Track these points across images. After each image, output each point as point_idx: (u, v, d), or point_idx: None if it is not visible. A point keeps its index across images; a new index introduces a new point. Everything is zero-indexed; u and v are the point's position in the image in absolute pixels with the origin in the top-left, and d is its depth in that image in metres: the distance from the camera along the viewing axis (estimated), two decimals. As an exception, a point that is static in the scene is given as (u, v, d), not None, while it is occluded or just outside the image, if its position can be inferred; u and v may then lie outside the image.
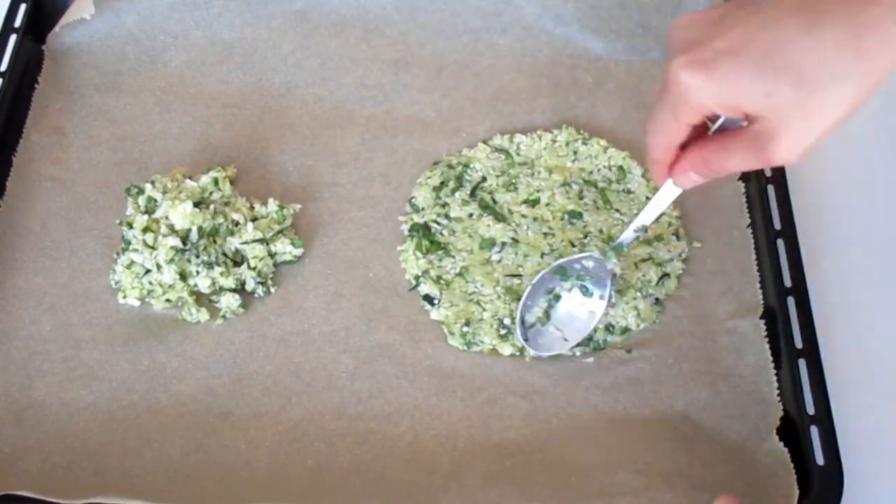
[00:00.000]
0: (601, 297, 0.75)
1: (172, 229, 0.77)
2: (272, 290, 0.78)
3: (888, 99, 0.92)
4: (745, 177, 0.82)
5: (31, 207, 0.81)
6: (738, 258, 0.79)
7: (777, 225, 0.78)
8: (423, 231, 0.80)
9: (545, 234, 0.80)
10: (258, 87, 0.89)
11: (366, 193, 0.83)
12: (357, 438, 0.70)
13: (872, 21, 0.52)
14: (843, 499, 0.66)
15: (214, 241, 0.77)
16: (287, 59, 0.91)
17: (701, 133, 0.62)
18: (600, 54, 0.90)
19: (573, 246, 0.79)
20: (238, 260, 0.78)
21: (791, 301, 0.74)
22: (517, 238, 0.80)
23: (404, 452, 0.70)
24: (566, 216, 0.81)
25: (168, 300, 0.76)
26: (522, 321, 0.75)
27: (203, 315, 0.76)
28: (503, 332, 0.75)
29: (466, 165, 0.84)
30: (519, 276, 0.78)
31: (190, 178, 0.80)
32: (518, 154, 0.85)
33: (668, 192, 0.68)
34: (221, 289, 0.77)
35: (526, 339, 0.74)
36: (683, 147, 0.63)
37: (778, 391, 0.71)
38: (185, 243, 0.76)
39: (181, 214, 0.76)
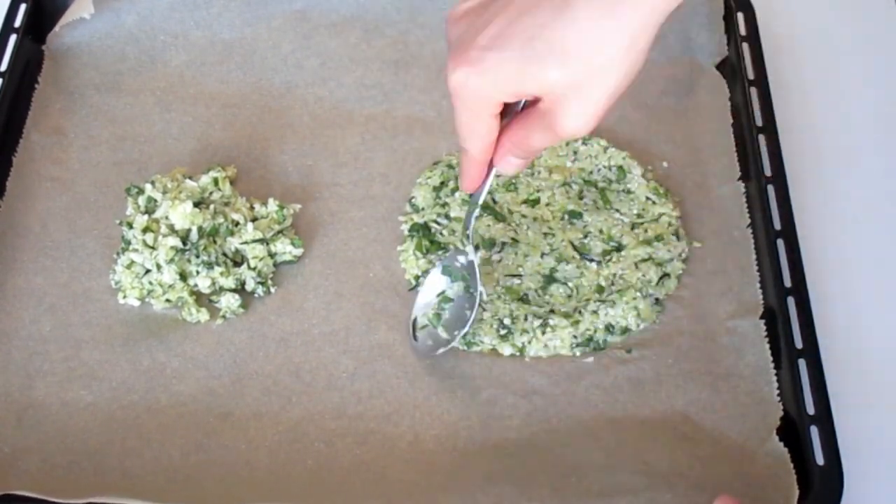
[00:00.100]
0: (472, 291, 0.74)
1: (172, 229, 0.77)
2: (272, 290, 0.78)
3: (888, 99, 0.93)
4: (745, 177, 0.82)
5: (31, 207, 0.81)
6: (738, 258, 0.78)
7: (777, 225, 0.78)
8: (423, 231, 0.80)
9: (545, 234, 0.80)
10: (258, 87, 0.89)
11: (366, 193, 0.83)
12: (357, 438, 0.70)
13: None
14: (843, 499, 0.66)
15: (214, 241, 0.77)
16: (287, 59, 0.91)
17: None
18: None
19: (573, 246, 0.79)
20: (238, 260, 0.78)
21: (791, 301, 0.74)
22: (517, 238, 0.80)
23: (404, 452, 0.70)
24: (566, 216, 0.81)
25: (168, 300, 0.76)
26: (415, 324, 0.75)
27: (203, 315, 0.76)
28: (503, 332, 0.75)
29: (466, 165, 0.84)
30: (519, 276, 0.78)
31: (190, 178, 0.80)
32: (518, 154, 0.85)
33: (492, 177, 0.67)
34: (221, 289, 0.77)
35: (416, 340, 0.74)
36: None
37: (778, 391, 0.71)
38: (185, 243, 0.76)
39: (181, 214, 0.76)
